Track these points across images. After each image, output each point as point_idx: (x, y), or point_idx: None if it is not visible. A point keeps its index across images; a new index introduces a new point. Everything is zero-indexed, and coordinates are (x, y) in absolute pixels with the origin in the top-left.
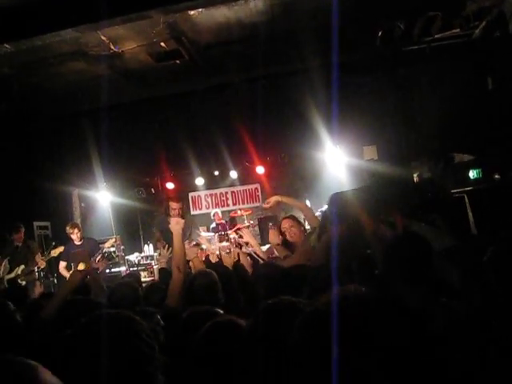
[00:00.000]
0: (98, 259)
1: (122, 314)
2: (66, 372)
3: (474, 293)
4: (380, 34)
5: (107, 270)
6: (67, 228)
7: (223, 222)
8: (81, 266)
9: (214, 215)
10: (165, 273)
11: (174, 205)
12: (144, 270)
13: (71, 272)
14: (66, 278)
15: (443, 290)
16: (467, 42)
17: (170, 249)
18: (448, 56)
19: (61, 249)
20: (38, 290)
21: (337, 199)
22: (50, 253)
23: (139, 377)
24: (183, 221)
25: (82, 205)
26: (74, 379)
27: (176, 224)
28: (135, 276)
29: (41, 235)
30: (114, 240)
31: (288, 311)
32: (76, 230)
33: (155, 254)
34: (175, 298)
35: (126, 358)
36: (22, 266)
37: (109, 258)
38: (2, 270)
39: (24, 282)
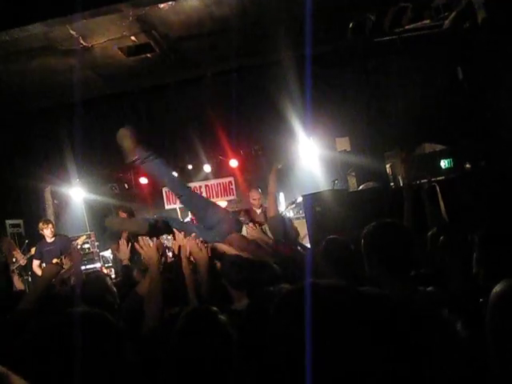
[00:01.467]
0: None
1: (95, 312)
2: (35, 371)
3: (454, 277)
4: (351, 25)
5: (82, 267)
6: (40, 224)
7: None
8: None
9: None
10: (127, 270)
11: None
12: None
13: (46, 266)
14: (39, 276)
15: (423, 278)
16: (437, 32)
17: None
18: (419, 47)
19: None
20: (20, 286)
21: (313, 201)
22: (29, 251)
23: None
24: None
25: (55, 201)
26: (44, 377)
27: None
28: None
29: (14, 233)
30: (85, 237)
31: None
32: (50, 226)
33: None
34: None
35: (98, 356)
36: None
37: (90, 262)
38: None
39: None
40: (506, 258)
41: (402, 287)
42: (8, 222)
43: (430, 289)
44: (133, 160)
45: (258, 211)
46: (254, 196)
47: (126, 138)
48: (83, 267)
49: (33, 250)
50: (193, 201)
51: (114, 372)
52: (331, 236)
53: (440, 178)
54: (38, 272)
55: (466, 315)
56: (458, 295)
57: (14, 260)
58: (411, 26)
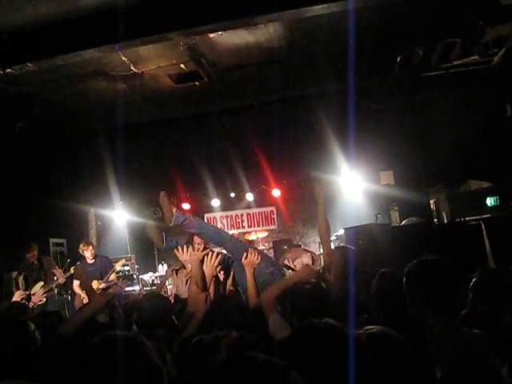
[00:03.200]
0: (110, 279)
1: (132, 336)
2: None
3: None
4: (399, 59)
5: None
6: (80, 246)
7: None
8: (95, 285)
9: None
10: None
11: (197, 240)
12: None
13: (96, 296)
14: (79, 296)
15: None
16: (486, 68)
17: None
18: (466, 83)
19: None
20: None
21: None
22: (69, 269)
23: None
24: (202, 254)
25: (99, 223)
26: None
27: (194, 255)
28: None
29: (56, 252)
30: (123, 261)
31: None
32: (90, 248)
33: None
34: (193, 305)
35: (135, 379)
36: (41, 283)
37: (129, 279)
38: (20, 286)
39: (44, 299)
40: None
41: (443, 326)
42: (52, 240)
43: (475, 331)
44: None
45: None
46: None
47: (165, 201)
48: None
49: (73, 269)
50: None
51: None
52: (384, 269)
53: (486, 216)
54: (78, 291)
55: None
56: (503, 339)
57: (54, 278)
58: (459, 61)
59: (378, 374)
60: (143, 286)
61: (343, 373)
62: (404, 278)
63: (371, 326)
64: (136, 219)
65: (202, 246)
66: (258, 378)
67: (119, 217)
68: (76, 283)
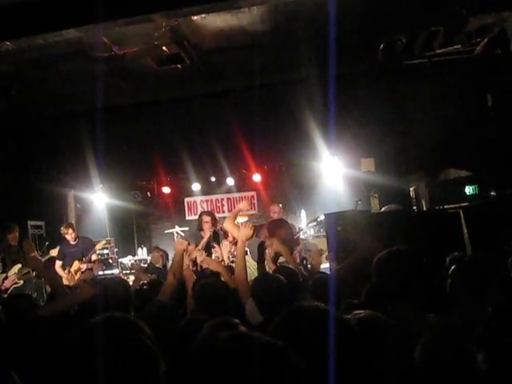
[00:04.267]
0: (93, 259)
1: (128, 318)
2: (64, 372)
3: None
4: (382, 46)
5: (100, 272)
6: (62, 228)
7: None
8: (76, 265)
9: None
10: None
11: (206, 218)
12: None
13: (84, 286)
14: (61, 277)
15: (438, 305)
16: (468, 58)
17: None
18: (448, 71)
19: (57, 249)
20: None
21: (335, 220)
22: (48, 252)
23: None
24: (186, 244)
25: (78, 206)
26: (74, 380)
27: (180, 244)
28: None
29: (35, 234)
30: (104, 242)
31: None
32: (70, 231)
33: (148, 257)
34: (166, 296)
35: (131, 361)
36: (19, 265)
37: (105, 263)
38: None
39: (22, 281)
40: None
41: (405, 314)
42: (30, 222)
43: (448, 318)
44: None
45: None
46: (275, 209)
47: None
48: (101, 272)
49: (52, 252)
50: None
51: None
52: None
53: (464, 204)
54: (60, 273)
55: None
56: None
57: None
58: (442, 50)
59: (368, 358)
60: (122, 269)
61: (333, 357)
62: (372, 268)
63: (360, 311)
64: (116, 202)
65: (210, 223)
66: (260, 357)
67: (99, 200)
68: (58, 264)
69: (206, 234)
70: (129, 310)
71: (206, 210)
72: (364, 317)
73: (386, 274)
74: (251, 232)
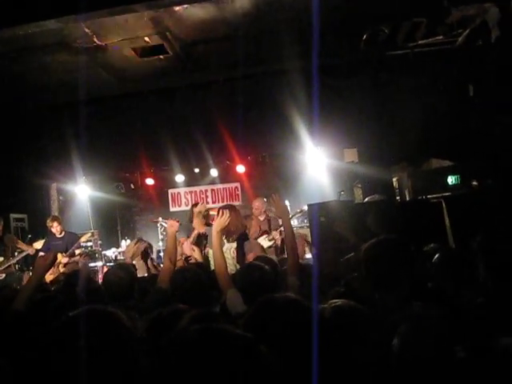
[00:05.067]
0: (77, 253)
1: (108, 310)
2: (46, 366)
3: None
4: (364, 37)
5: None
6: (48, 221)
7: None
8: (58, 257)
9: None
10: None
11: (200, 207)
12: None
13: (37, 259)
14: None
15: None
16: (450, 49)
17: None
18: (431, 62)
19: (42, 241)
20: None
21: (318, 211)
22: (31, 245)
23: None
24: (177, 224)
25: (61, 198)
26: (56, 373)
27: (171, 226)
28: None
29: (17, 227)
30: (89, 234)
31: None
32: (56, 224)
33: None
34: (166, 282)
35: (112, 355)
36: (1, 258)
37: (91, 256)
38: None
39: (3, 275)
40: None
41: (393, 302)
42: (12, 215)
43: (427, 305)
44: None
45: (261, 218)
46: (256, 205)
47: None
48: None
49: (35, 245)
50: None
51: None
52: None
53: (447, 194)
54: None
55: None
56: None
57: (15, 254)
58: (424, 41)
59: (345, 347)
60: (106, 261)
61: (306, 347)
62: (361, 256)
63: (336, 300)
64: (99, 194)
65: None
66: (230, 350)
67: (82, 192)
68: (41, 255)
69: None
70: (132, 297)
71: (190, 201)
72: (339, 305)
73: (374, 262)
74: (226, 221)
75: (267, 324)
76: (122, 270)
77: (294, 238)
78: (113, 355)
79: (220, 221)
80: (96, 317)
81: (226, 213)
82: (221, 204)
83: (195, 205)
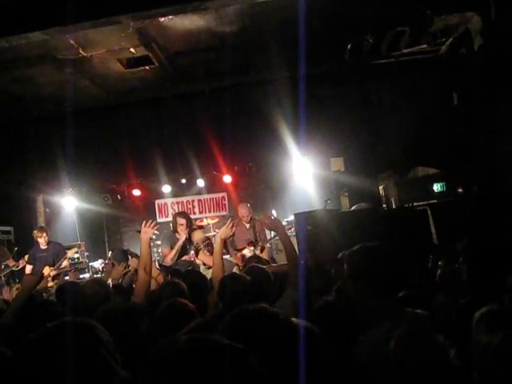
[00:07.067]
0: (63, 265)
1: (86, 322)
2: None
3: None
4: (349, 47)
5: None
6: (35, 232)
7: None
8: (46, 270)
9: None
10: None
11: (180, 220)
12: None
13: (24, 276)
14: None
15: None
16: (434, 57)
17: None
18: (415, 71)
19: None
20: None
21: (305, 219)
22: (19, 257)
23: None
24: (152, 230)
25: (47, 210)
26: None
27: (145, 233)
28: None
29: (3, 240)
30: (75, 250)
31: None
32: (44, 234)
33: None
34: (141, 296)
35: (90, 366)
36: None
37: (81, 272)
38: None
39: None
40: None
41: (388, 310)
42: None
43: (418, 311)
44: None
45: (247, 225)
46: (242, 212)
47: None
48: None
49: (26, 257)
50: None
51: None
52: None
53: (432, 201)
54: None
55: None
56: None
57: (2, 267)
58: (408, 50)
59: (319, 358)
60: (93, 273)
61: (281, 360)
62: (344, 264)
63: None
64: (86, 206)
65: (185, 225)
66: (218, 361)
67: (68, 203)
68: (28, 268)
69: (182, 236)
70: None
71: (176, 211)
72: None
73: (363, 269)
74: (231, 232)
75: (237, 336)
76: (98, 284)
77: (294, 249)
78: (89, 366)
79: (226, 230)
80: (73, 328)
81: (233, 224)
82: (208, 214)
83: (178, 214)
